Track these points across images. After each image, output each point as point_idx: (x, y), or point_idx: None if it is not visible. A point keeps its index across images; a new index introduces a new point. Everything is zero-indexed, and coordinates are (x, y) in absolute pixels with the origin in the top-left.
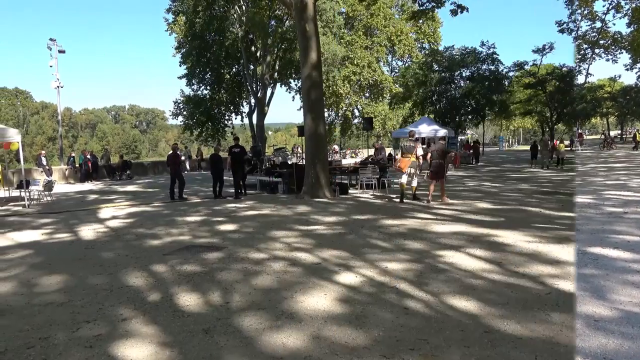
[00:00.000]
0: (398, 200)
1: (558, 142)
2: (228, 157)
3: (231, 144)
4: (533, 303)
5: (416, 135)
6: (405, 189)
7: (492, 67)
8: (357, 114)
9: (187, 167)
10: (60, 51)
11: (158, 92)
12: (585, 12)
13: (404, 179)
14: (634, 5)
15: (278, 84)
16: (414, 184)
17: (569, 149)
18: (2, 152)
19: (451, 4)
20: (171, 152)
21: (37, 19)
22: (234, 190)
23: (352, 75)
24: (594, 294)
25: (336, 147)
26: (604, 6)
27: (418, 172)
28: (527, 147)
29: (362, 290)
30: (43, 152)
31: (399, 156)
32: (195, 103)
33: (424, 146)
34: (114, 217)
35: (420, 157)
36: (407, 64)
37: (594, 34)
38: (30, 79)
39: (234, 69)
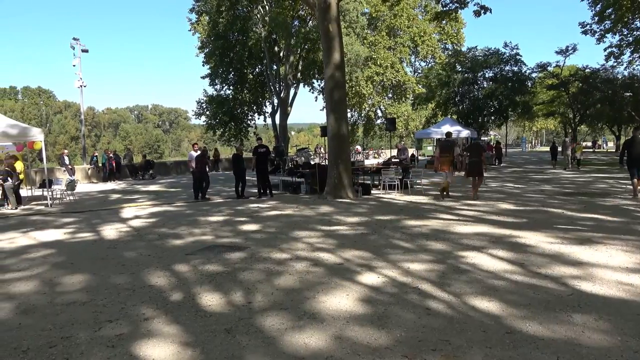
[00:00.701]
0: (440, 196)
1: (575, 143)
2: (253, 158)
3: (255, 145)
4: (555, 304)
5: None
6: (445, 188)
7: (515, 68)
8: (380, 114)
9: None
10: (83, 50)
11: (181, 92)
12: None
13: (448, 177)
14: None
15: (301, 84)
16: (449, 180)
17: (592, 149)
18: (25, 152)
19: (474, 5)
20: (198, 152)
21: (60, 19)
22: (257, 190)
23: (375, 76)
24: None
25: (359, 148)
26: None
27: (454, 170)
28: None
29: (384, 291)
30: (66, 151)
31: (437, 153)
32: (218, 103)
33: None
34: (136, 217)
35: (458, 156)
36: (430, 65)
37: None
38: (53, 78)
39: (257, 69)
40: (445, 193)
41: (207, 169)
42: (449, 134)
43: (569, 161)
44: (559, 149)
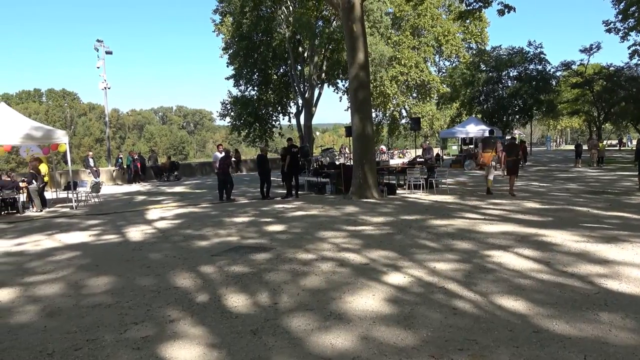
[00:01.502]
0: (485, 193)
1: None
2: (287, 157)
3: (283, 145)
4: (582, 303)
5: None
6: (490, 183)
7: (540, 67)
8: (404, 114)
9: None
10: (107, 52)
11: (205, 93)
12: None
13: (491, 175)
14: None
15: (325, 85)
16: (490, 177)
17: (618, 148)
18: (50, 154)
19: (498, 4)
20: (222, 153)
21: (84, 21)
22: (286, 191)
23: (399, 76)
24: None
25: (384, 148)
26: None
27: (497, 166)
28: (573, 147)
29: (411, 291)
30: (90, 153)
31: (480, 150)
32: (243, 104)
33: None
34: (161, 218)
35: (500, 152)
36: (454, 64)
37: None
38: (77, 80)
39: (281, 70)
40: (489, 190)
41: (231, 170)
42: (491, 132)
43: (595, 159)
44: (584, 147)
